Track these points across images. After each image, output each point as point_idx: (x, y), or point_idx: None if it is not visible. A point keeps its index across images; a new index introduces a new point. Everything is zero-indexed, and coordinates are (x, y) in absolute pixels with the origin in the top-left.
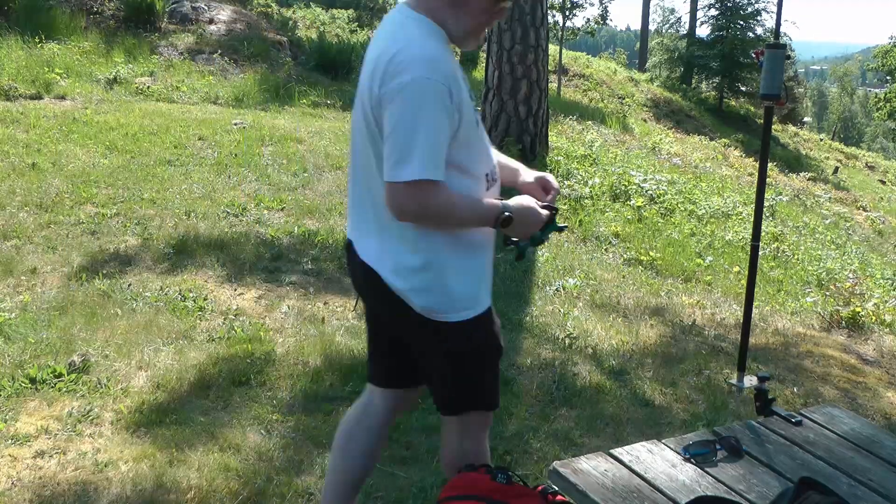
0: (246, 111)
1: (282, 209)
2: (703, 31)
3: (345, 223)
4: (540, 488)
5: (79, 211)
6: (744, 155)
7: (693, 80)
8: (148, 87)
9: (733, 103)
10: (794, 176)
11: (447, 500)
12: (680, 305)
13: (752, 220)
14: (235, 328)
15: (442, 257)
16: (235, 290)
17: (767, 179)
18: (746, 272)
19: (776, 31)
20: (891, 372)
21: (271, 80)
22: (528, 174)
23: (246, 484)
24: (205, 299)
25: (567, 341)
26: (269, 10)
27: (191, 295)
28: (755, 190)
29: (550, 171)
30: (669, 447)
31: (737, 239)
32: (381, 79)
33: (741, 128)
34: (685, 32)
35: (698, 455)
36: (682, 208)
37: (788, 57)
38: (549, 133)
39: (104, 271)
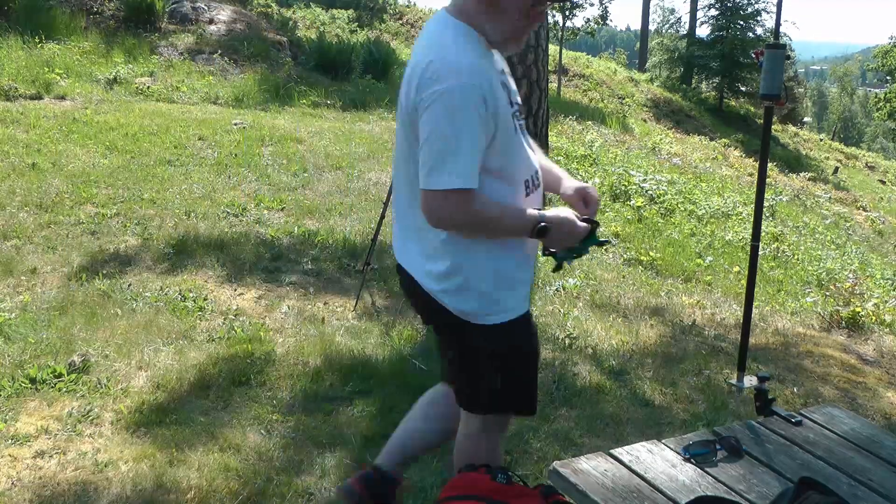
0: (246, 111)
1: (282, 209)
2: (703, 31)
3: (345, 223)
4: (540, 488)
5: (79, 211)
6: (744, 155)
7: (693, 80)
8: (148, 87)
9: (733, 103)
10: (794, 176)
11: (447, 500)
12: (680, 305)
13: (752, 220)
14: (235, 328)
15: (473, 262)
16: (235, 290)
17: (767, 179)
18: (746, 272)
19: (776, 31)
20: (891, 372)
21: (271, 80)
22: (569, 184)
23: (246, 484)
24: (205, 299)
25: (567, 341)
26: (269, 10)
27: (191, 295)
28: (755, 190)
29: None
30: (669, 447)
31: (737, 239)
32: (417, 87)
33: (741, 128)
34: (685, 32)
35: (698, 455)
36: (682, 208)
37: (788, 57)
38: (549, 133)
39: (104, 271)
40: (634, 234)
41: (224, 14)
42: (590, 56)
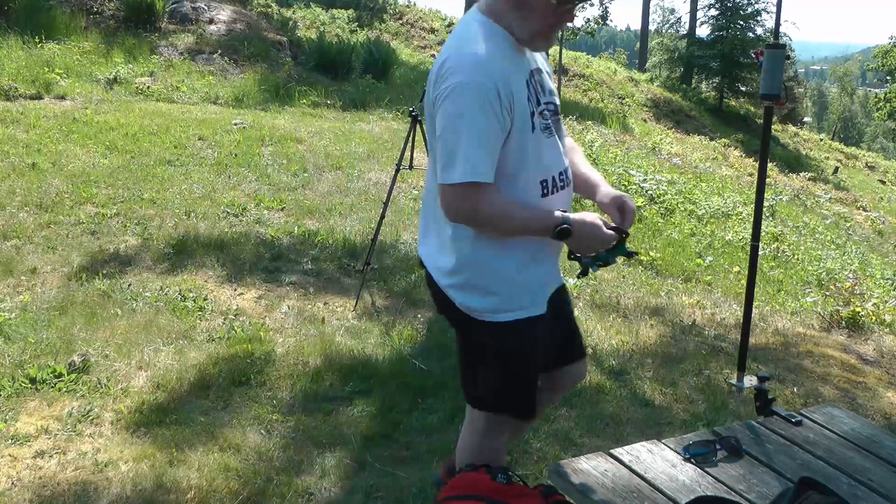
0: (246, 111)
1: (282, 209)
2: (703, 31)
3: (345, 223)
4: (540, 488)
5: (79, 211)
6: (744, 155)
7: (693, 80)
8: (148, 87)
9: (733, 103)
10: (794, 176)
11: (447, 500)
12: (680, 305)
13: (751, 220)
14: (235, 328)
15: (477, 260)
16: (235, 290)
17: (767, 179)
18: (746, 272)
19: (776, 31)
20: (891, 372)
21: (271, 80)
22: (605, 192)
23: (246, 484)
24: (205, 299)
25: None
26: (269, 10)
27: (191, 295)
28: (755, 190)
29: None
30: (669, 447)
31: (737, 239)
32: (434, 82)
33: (741, 128)
34: (685, 32)
35: (698, 455)
36: (682, 208)
37: (788, 57)
38: None
39: (104, 271)
40: (634, 234)
41: (224, 14)
42: (590, 56)
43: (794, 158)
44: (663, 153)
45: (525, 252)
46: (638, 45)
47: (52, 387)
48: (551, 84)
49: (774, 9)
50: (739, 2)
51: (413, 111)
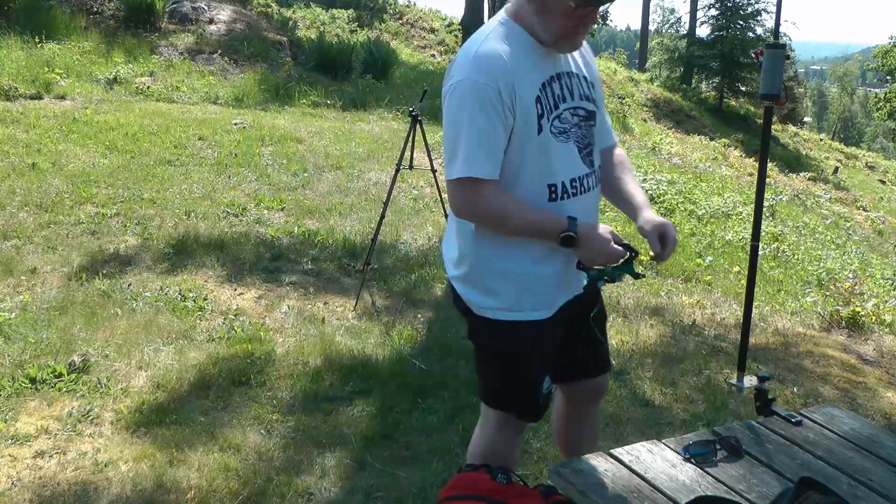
0: (246, 111)
1: (282, 209)
2: (703, 31)
3: (345, 223)
4: (540, 488)
5: (79, 211)
6: (744, 155)
7: (693, 80)
8: (148, 87)
9: (733, 103)
10: (794, 176)
11: (447, 500)
12: (680, 305)
13: (752, 220)
14: (235, 328)
15: (477, 255)
16: (235, 290)
17: (767, 179)
18: (746, 272)
19: (776, 31)
20: (891, 372)
21: (271, 80)
22: (647, 219)
23: (246, 484)
24: (205, 299)
25: None
26: (269, 10)
27: (191, 295)
28: (755, 190)
29: None
30: (669, 447)
31: (737, 239)
32: (444, 79)
33: (741, 128)
34: (685, 32)
35: (698, 455)
36: (682, 208)
37: (788, 57)
38: None
39: (104, 271)
40: (634, 234)
41: (224, 14)
42: None
43: (794, 158)
44: (663, 153)
45: (527, 254)
46: (638, 44)
47: (52, 387)
48: (589, 89)
49: (774, 9)
50: (739, 2)
51: (413, 111)
